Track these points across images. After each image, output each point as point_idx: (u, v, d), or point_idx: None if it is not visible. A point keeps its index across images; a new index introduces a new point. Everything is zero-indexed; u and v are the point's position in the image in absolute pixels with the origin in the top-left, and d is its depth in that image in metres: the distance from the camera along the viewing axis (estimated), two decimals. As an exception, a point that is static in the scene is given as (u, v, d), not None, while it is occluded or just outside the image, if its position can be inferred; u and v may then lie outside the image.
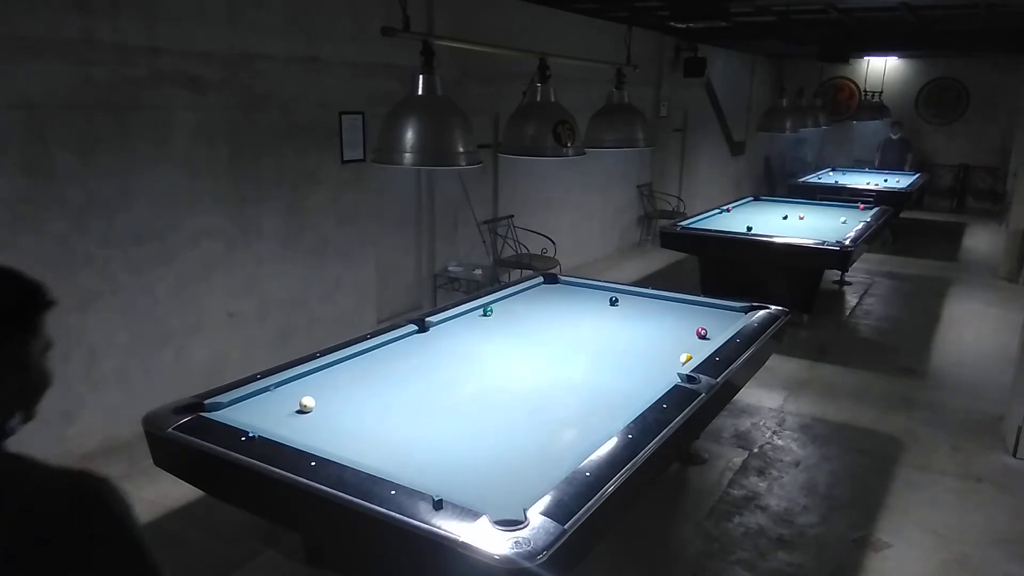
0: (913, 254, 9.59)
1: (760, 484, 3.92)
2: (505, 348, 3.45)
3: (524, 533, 1.86)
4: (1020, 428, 4.22)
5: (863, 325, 6.79)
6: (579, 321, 3.91)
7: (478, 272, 6.40)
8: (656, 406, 2.64)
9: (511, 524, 1.88)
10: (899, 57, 13.08)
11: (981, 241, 10.65)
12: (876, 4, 7.07)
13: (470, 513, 1.93)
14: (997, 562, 3.31)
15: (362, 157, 5.29)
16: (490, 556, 1.79)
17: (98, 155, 3.84)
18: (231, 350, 4.61)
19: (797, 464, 4.16)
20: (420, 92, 2.71)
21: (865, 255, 7.38)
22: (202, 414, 2.55)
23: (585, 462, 2.21)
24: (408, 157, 2.67)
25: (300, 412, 2.65)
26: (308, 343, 3.85)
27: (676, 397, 2.74)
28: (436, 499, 1.96)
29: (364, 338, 3.38)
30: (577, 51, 6.79)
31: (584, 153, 3.43)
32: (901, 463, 4.18)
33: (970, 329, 6.69)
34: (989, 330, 6.56)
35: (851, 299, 7.56)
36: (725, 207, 7.85)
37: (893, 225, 9.05)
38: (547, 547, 1.81)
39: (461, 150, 2.72)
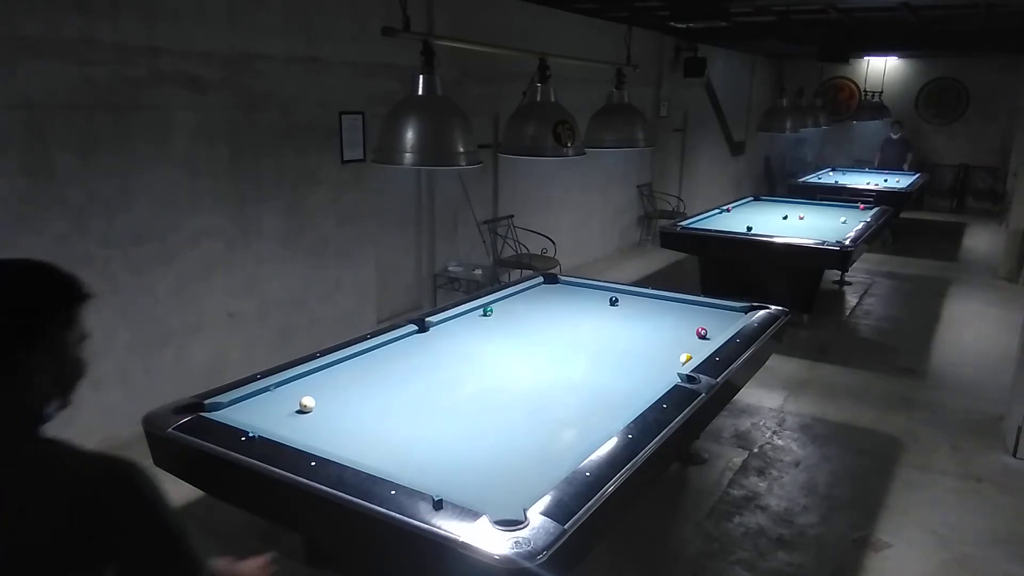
0: (913, 254, 9.59)
1: (760, 484, 3.92)
2: (505, 348, 3.45)
3: (524, 533, 1.85)
4: (1020, 428, 4.22)
5: (863, 325, 6.79)
6: (579, 321, 3.91)
7: (478, 272, 6.40)
8: (656, 406, 2.64)
9: (511, 524, 1.88)
10: (899, 57, 13.08)
11: (981, 241, 10.66)
12: (876, 4, 7.07)
13: (470, 513, 1.93)
14: (997, 562, 3.31)
15: (362, 157, 5.29)
16: (490, 556, 1.79)
17: (98, 155, 3.85)
18: (231, 350, 4.61)
19: (797, 464, 4.16)
20: (420, 92, 2.71)
21: (865, 255, 7.38)
22: (202, 414, 2.55)
23: (585, 462, 2.21)
24: (408, 157, 2.67)
25: (300, 412, 2.65)
26: (308, 343, 3.85)
27: (676, 397, 2.74)
28: (436, 499, 1.96)
29: (364, 338, 3.38)
30: (577, 51, 6.79)
31: (584, 153, 3.43)
32: (901, 463, 4.18)
33: (970, 329, 6.69)
34: (989, 330, 6.56)
35: (851, 299, 7.56)
36: (725, 207, 7.85)
37: (893, 225, 9.05)
38: (547, 547, 1.81)
39: (461, 150, 2.72)
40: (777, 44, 10.46)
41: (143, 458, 2.67)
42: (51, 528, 1.09)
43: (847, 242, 5.99)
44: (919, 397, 5.12)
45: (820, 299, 6.74)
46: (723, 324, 3.74)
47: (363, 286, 5.58)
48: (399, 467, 2.18)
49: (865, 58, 13.09)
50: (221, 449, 2.29)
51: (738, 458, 4.19)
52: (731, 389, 3.28)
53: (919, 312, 7.14)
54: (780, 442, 4.41)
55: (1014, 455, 4.24)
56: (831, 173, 11.58)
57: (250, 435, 2.35)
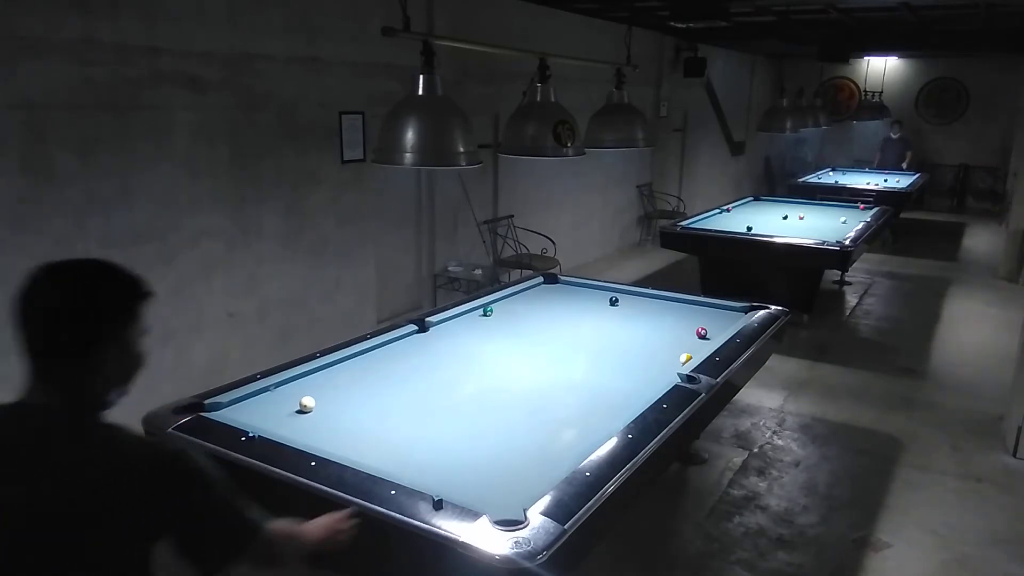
0: (913, 254, 9.59)
1: (760, 484, 3.92)
2: (505, 348, 3.45)
3: (524, 533, 1.86)
4: (1020, 428, 4.22)
5: (863, 325, 6.79)
6: (579, 321, 3.91)
7: (478, 272, 6.40)
8: (656, 406, 2.64)
9: (511, 524, 1.88)
10: (899, 57, 13.08)
11: (981, 241, 10.66)
12: (876, 4, 7.07)
13: (470, 513, 1.93)
14: (997, 562, 3.31)
15: (362, 157, 5.28)
16: (490, 556, 1.79)
17: (98, 155, 3.84)
18: (231, 350, 4.61)
19: (797, 464, 4.16)
20: (420, 92, 2.71)
21: (865, 255, 7.38)
22: (202, 414, 2.55)
23: (585, 462, 2.21)
24: (408, 157, 2.67)
25: (300, 412, 2.65)
26: (308, 343, 3.85)
27: (676, 397, 2.74)
28: (436, 499, 1.96)
29: (364, 338, 3.38)
30: (577, 51, 6.79)
31: (584, 153, 3.43)
32: (901, 463, 4.18)
33: (970, 329, 6.69)
34: (989, 330, 6.56)
35: (851, 299, 7.56)
36: (725, 207, 7.85)
37: (893, 225, 9.05)
38: (547, 547, 1.81)
39: (461, 150, 2.72)
40: (777, 44, 10.46)
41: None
42: (114, 501, 1.21)
43: (847, 242, 5.99)
44: (919, 397, 5.12)
45: (820, 299, 6.74)
46: (723, 324, 3.74)
47: (363, 286, 5.58)
48: (399, 467, 2.18)
49: (865, 58, 13.09)
50: (221, 449, 2.29)
51: (738, 458, 4.19)
52: (731, 389, 3.28)
53: (919, 312, 7.14)
54: (780, 442, 4.41)
55: (1014, 455, 4.24)
56: (831, 173, 11.58)
57: (250, 435, 2.35)
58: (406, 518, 1.93)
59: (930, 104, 13.46)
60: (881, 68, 13.09)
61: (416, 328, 3.60)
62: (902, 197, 9.60)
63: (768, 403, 4.91)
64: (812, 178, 10.99)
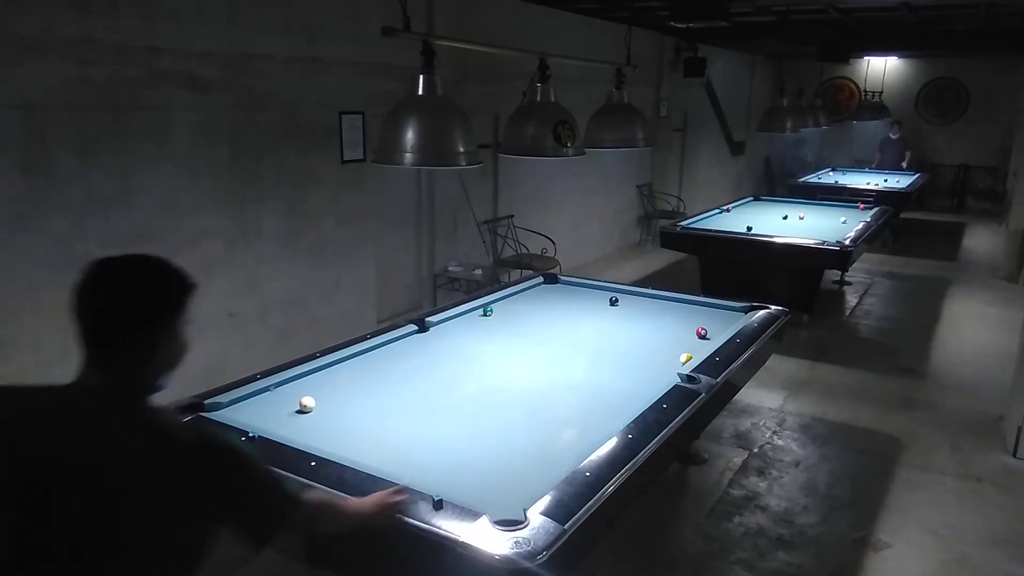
0: (913, 254, 9.59)
1: (760, 484, 3.92)
2: (505, 348, 3.45)
3: (524, 533, 1.86)
4: (1020, 428, 4.22)
5: (863, 325, 6.79)
6: (579, 321, 3.91)
7: (478, 272, 6.40)
8: (656, 406, 2.64)
9: (511, 524, 1.88)
10: (899, 57, 13.08)
11: (981, 241, 10.66)
12: (876, 4, 7.07)
13: (470, 513, 1.93)
14: (997, 562, 3.31)
15: (362, 157, 5.28)
16: (490, 556, 1.79)
17: (98, 155, 3.84)
18: (231, 350, 4.61)
19: (797, 464, 4.16)
20: (420, 92, 2.71)
21: (865, 255, 7.38)
22: (202, 414, 2.55)
23: (585, 462, 2.21)
24: (408, 157, 2.67)
25: (300, 412, 2.65)
26: (308, 343, 3.85)
27: (676, 397, 2.74)
28: (436, 499, 1.96)
29: (364, 338, 3.38)
30: (577, 51, 6.79)
31: (584, 153, 3.43)
32: (901, 463, 4.18)
33: (970, 329, 6.69)
34: (989, 330, 6.56)
35: (851, 299, 7.56)
36: (725, 207, 7.85)
37: (893, 225, 9.05)
38: (547, 547, 1.81)
39: (461, 150, 2.72)
40: (777, 44, 10.45)
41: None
42: (164, 477, 1.31)
43: (847, 242, 5.99)
44: (919, 397, 5.12)
45: (820, 299, 6.74)
46: (723, 324, 3.74)
47: (363, 286, 5.58)
48: (399, 467, 2.18)
49: (865, 58, 13.09)
50: (221, 449, 2.29)
51: (738, 458, 4.19)
52: (731, 389, 3.28)
53: (919, 312, 7.14)
54: (780, 442, 4.41)
55: (1014, 455, 4.24)
56: (831, 173, 11.58)
57: (250, 435, 2.35)
58: (406, 518, 1.93)
59: (930, 104, 13.46)
60: (881, 68, 13.09)
61: (416, 328, 3.60)
62: (902, 197, 9.60)
63: (768, 403, 4.91)
64: (812, 178, 10.99)
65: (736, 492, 3.84)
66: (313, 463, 2.18)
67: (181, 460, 1.35)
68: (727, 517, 3.61)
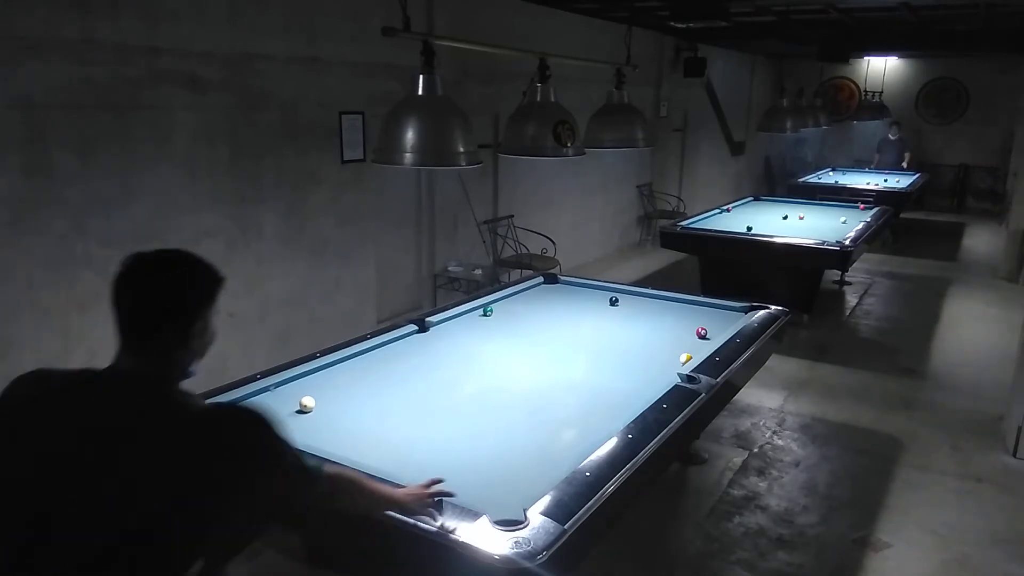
0: (913, 254, 9.59)
1: (760, 484, 3.92)
2: (505, 348, 3.45)
3: (524, 533, 1.86)
4: (1020, 428, 4.22)
5: (863, 325, 6.79)
6: (579, 321, 3.91)
7: (478, 272, 6.40)
8: (656, 406, 2.64)
9: (511, 524, 1.88)
10: (899, 57, 13.08)
11: (981, 241, 10.66)
12: (876, 4, 7.07)
13: (470, 513, 1.93)
14: (997, 562, 3.31)
15: (362, 157, 5.28)
16: (490, 556, 1.79)
17: (98, 155, 3.84)
18: (231, 350, 4.61)
19: (797, 464, 4.16)
20: (420, 92, 2.71)
21: (865, 255, 7.38)
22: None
23: (585, 462, 2.21)
24: (408, 157, 2.67)
25: (300, 412, 2.65)
26: (308, 343, 3.85)
27: (676, 397, 2.74)
28: (436, 499, 1.96)
29: (364, 338, 3.38)
30: (577, 51, 6.80)
31: (584, 153, 3.43)
32: (901, 463, 4.18)
33: (970, 329, 6.69)
34: (989, 330, 6.56)
35: (851, 299, 7.56)
36: (725, 207, 7.85)
37: (893, 225, 9.05)
38: (547, 547, 1.81)
39: (461, 150, 2.72)
40: (777, 44, 10.45)
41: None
42: (187, 454, 1.35)
43: (847, 242, 5.99)
44: (919, 397, 5.12)
45: (820, 299, 6.74)
46: (723, 324, 3.74)
47: (363, 286, 5.58)
48: (399, 467, 2.18)
49: (865, 58, 13.09)
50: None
51: (738, 458, 4.19)
52: (731, 389, 3.28)
53: (919, 312, 7.14)
54: (780, 442, 4.41)
55: (1014, 455, 4.24)
56: (831, 173, 11.58)
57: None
58: (406, 518, 1.93)
59: (930, 104, 13.46)
60: (881, 68, 13.09)
61: (416, 328, 3.60)
62: (902, 197, 9.60)
63: (768, 403, 4.91)
64: (812, 178, 10.99)
65: (736, 492, 3.84)
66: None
67: (217, 439, 1.40)
68: (727, 517, 3.61)
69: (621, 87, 3.92)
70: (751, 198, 8.84)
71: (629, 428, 2.45)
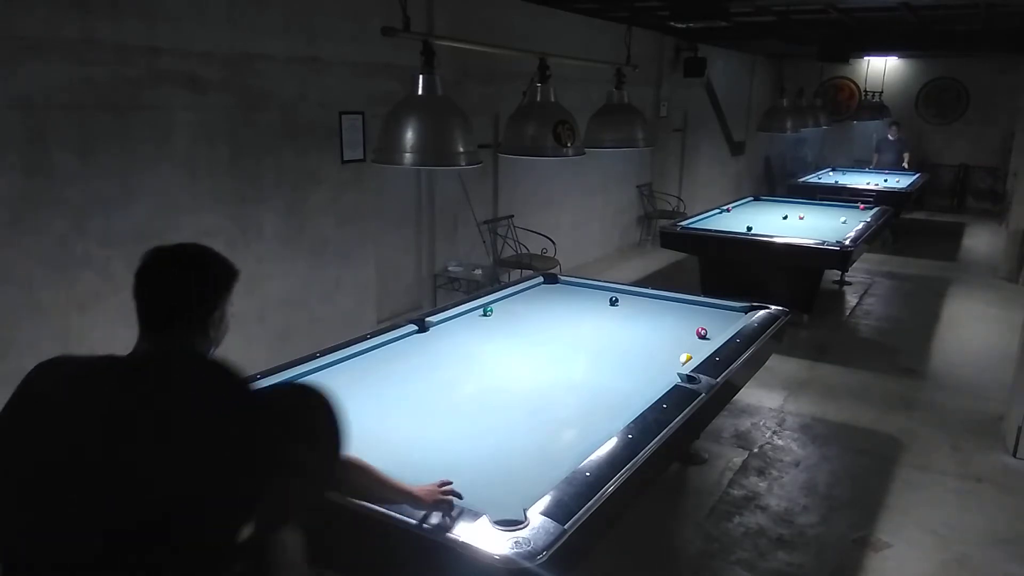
0: (913, 254, 9.59)
1: (760, 484, 3.92)
2: (505, 348, 3.45)
3: (524, 533, 1.86)
4: (1020, 428, 4.22)
5: (863, 325, 6.79)
6: (579, 321, 3.91)
7: (478, 272, 6.40)
8: (656, 406, 2.64)
9: (511, 524, 1.88)
10: (899, 57, 13.08)
11: (981, 241, 10.66)
12: (876, 4, 7.07)
13: (470, 513, 1.93)
14: (997, 562, 3.31)
15: (362, 157, 5.29)
16: (490, 556, 1.79)
17: (98, 155, 3.85)
18: (231, 350, 4.60)
19: (797, 464, 4.16)
20: (420, 92, 2.71)
21: (865, 255, 7.38)
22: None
23: (585, 462, 2.21)
24: (408, 157, 2.67)
25: (300, 412, 2.64)
26: (308, 343, 3.85)
27: (676, 397, 2.74)
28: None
29: (364, 338, 3.38)
30: (577, 51, 6.80)
31: (584, 153, 3.43)
32: (901, 463, 4.18)
33: (970, 329, 6.69)
34: (989, 330, 6.56)
35: (851, 299, 7.56)
36: (725, 207, 7.85)
37: (893, 225, 9.05)
38: (547, 547, 1.81)
39: (461, 150, 2.72)
40: (777, 44, 10.45)
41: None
42: (223, 440, 1.36)
43: (847, 242, 5.99)
44: (919, 397, 5.12)
45: (820, 299, 6.74)
46: (723, 324, 3.74)
47: (363, 286, 5.58)
48: (399, 467, 2.17)
49: (865, 58, 13.09)
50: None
51: (738, 458, 4.19)
52: (731, 389, 3.28)
53: (919, 312, 7.14)
54: (780, 442, 4.41)
55: (1014, 455, 4.24)
56: (831, 173, 11.57)
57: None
58: (406, 518, 1.93)
59: (930, 104, 13.46)
60: (881, 68, 13.09)
61: (416, 328, 3.60)
62: (902, 197, 9.60)
63: (768, 403, 4.91)
64: (812, 178, 10.98)
65: (736, 492, 3.84)
66: (313, 463, 2.17)
67: (276, 419, 1.45)
68: (727, 517, 3.61)
69: (621, 87, 3.92)
70: (751, 198, 8.84)
71: (629, 428, 2.45)
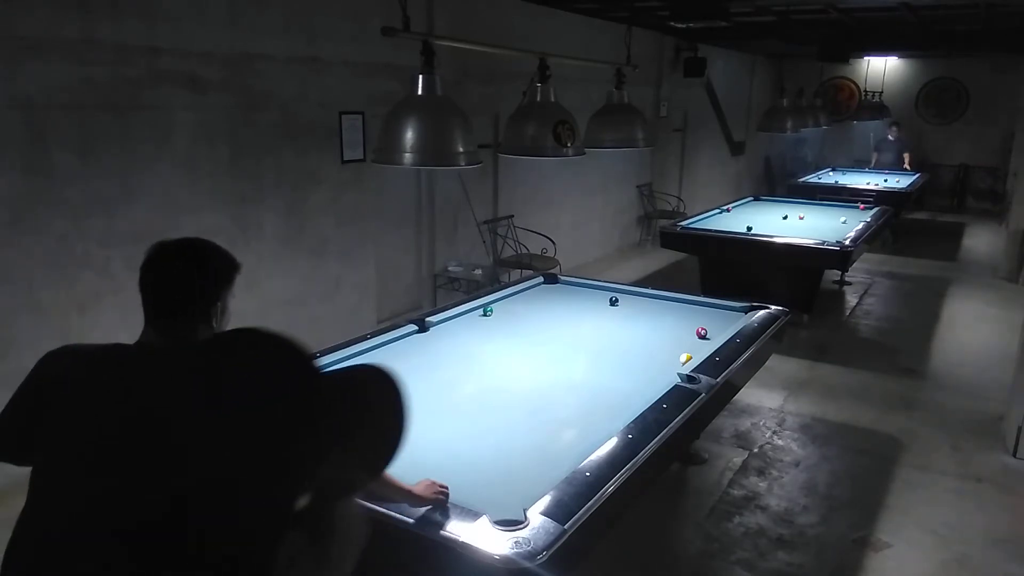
0: (913, 254, 9.59)
1: (760, 484, 3.92)
2: (505, 348, 3.45)
3: (524, 533, 1.86)
4: (1020, 428, 4.22)
5: (863, 325, 6.79)
6: (579, 321, 3.91)
7: (478, 272, 6.40)
8: (656, 406, 2.64)
9: (511, 524, 1.88)
10: (899, 57, 13.08)
11: (981, 241, 10.65)
12: (876, 4, 7.07)
13: (470, 513, 1.93)
14: (997, 562, 3.31)
15: (362, 157, 5.29)
16: (490, 556, 1.79)
17: (98, 155, 3.85)
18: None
19: (797, 464, 4.16)
20: (420, 92, 2.71)
21: (865, 255, 7.38)
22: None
23: (585, 462, 2.21)
24: (408, 157, 2.67)
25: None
26: (308, 343, 3.85)
27: (676, 397, 2.74)
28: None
29: (364, 338, 3.38)
30: (577, 51, 6.80)
31: (584, 153, 3.43)
32: (901, 463, 4.18)
33: (970, 329, 6.69)
34: (989, 330, 6.56)
35: (851, 299, 7.56)
36: (725, 207, 7.85)
37: (893, 225, 9.05)
38: (547, 547, 1.81)
39: (461, 150, 2.72)
40: (777, 44, 10.46)
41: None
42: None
43: (847, 242, 5.99)
44: (919, 397, 5.12)
45: (820, 299, 6.74)
46: (723, 324, 3.74)
47: (363, 286, 5.58)
48: (398, 467, 2.16)
49: (865, 58, 13.09)
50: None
51: (738, 458, 4.19)
52: (731, 389, 3.28)
53: (919, 312, 7.14)
54: (780, 442, 4.41)
55: (1014, 455, 4.24)
56: (831, 173, 11.57)
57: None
58: (405, 518, 1.93)
59: (930, 104, 13.46)
60: (881, 68, 13.09)
61: (416, 328, 3.60)
62: (902, 197, 9.60)
63: (768, 403, 4.91)
64: (812, 178, 10.98)
65: (736, 492, 3.84)
66: (313, 463, 2.17)
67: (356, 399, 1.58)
68: (727, 517, 3.61)
69: (621, 87, 3.92)
70: (751, 198, 8.84)
71: (629, 428, 2.45)
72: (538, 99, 3.28)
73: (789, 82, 11.23)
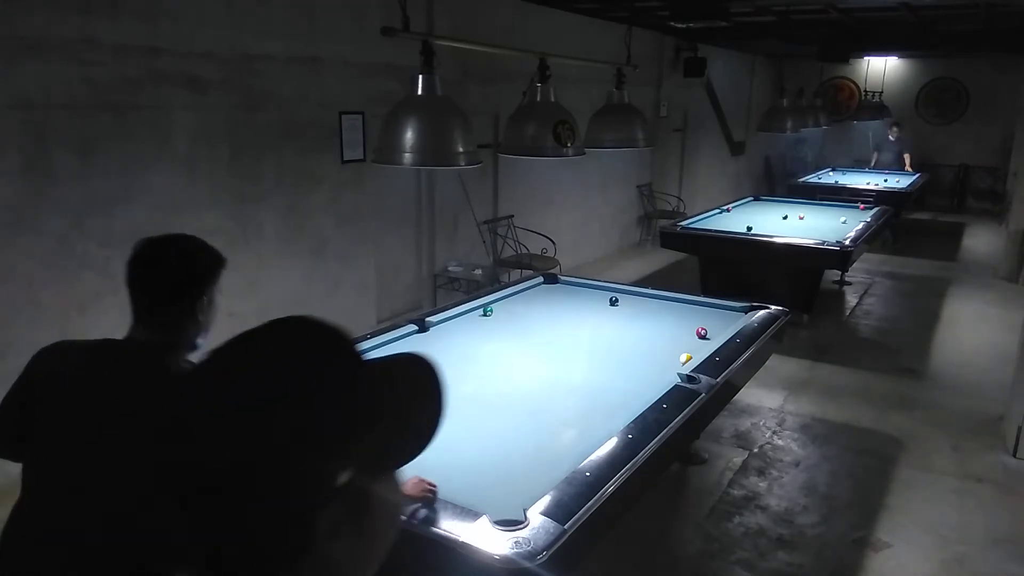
0: (913, 254, 9.59)
1: (760, 484, 3.92)
2: (505, 348, 3.45)
3: (524, 533, 1.86)
4: (1020, 428, 4.22)
5: (863, 325, 6.79)
6: (579, 321, 3.91)
7: (478, 272, 6.40)
8: (656, 406, 2.64)
9: (511, 524, 1.88)
10: (899, 57, 13.08)
11: (981, 241, 10.65)
12: (876, 4, 7.07)
13: (470, 513, 1.93)
14: (997, 562, 3.31)
15: (362, 157, 5.29)
16: (490, 556, 1.79)
17: (98, 155, 3.85)
18: (231, 350, 4.61)
19: (797, 464, 4.16)
20: (420, 92, 2.71)
21: (865, 255, 7.38)
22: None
23: (585, 462, 2.21)
24: (408, 157, 2.67)
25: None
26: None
27: (676, 397, 2.74)
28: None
29: (364, 338, 3.38)
30: (577, 51, 6.80)
31: (584, 153, 3.43)
32: (901, 463, 4.18)
33: (970, 329, 6.69)
34: (989, 330, 6.56)
35: (851, 299, 7.56)
36: (725, 207, 7.85)
37: (893, 225, 9.05)
38: (547, 547, 1.81)
39: (461, 150, 2.72)
40: (777, 44, 10.45)
41: (143, 458, 2.67)
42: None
43: (847, 242, 5.99)
44: (919, 397, 5.12)
45: (820, 299, 6.74)
46: (723, 324, 3.74)
47: (363, 286, 5.58)
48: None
49: (865, 58, 13.09)
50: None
51: (738, 458, 4.19)
52: (731, 389, 3.28)
53: (919, 312, 7.14)
54: (780, 442, 4.41)
55: (1014, 455, 4.24)
56: (831, 173, 11.57)
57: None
58: (406, 518, 1.93)
59: (930, 104, 13.46)
60: (881, 68, 13.09)
61: (416, 328, 3.60)
62: (902, 197, 9.60)
63: (768, 403, 4.90)
64: (812, 178, 10.98)
65: (736, 492, 3.84)
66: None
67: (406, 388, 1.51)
68: (727, 517, 3.61)
69: (621, 87, 3.92)
70: (751, 198, 8.84)
71: (629, 428, 2.45)
72: (538, 99, 3.28)
73: (789, 82, 11.23)
